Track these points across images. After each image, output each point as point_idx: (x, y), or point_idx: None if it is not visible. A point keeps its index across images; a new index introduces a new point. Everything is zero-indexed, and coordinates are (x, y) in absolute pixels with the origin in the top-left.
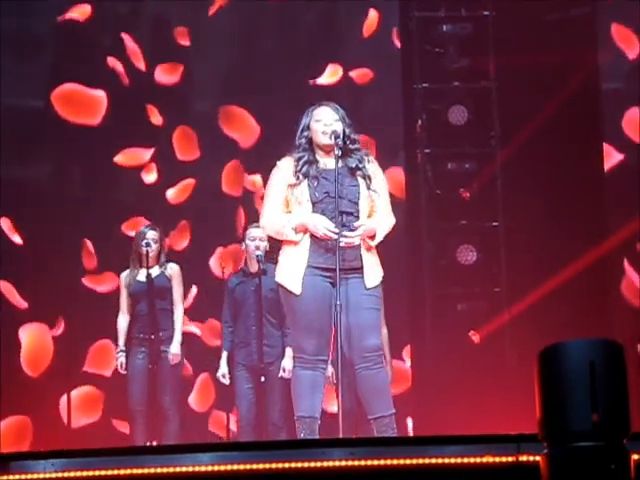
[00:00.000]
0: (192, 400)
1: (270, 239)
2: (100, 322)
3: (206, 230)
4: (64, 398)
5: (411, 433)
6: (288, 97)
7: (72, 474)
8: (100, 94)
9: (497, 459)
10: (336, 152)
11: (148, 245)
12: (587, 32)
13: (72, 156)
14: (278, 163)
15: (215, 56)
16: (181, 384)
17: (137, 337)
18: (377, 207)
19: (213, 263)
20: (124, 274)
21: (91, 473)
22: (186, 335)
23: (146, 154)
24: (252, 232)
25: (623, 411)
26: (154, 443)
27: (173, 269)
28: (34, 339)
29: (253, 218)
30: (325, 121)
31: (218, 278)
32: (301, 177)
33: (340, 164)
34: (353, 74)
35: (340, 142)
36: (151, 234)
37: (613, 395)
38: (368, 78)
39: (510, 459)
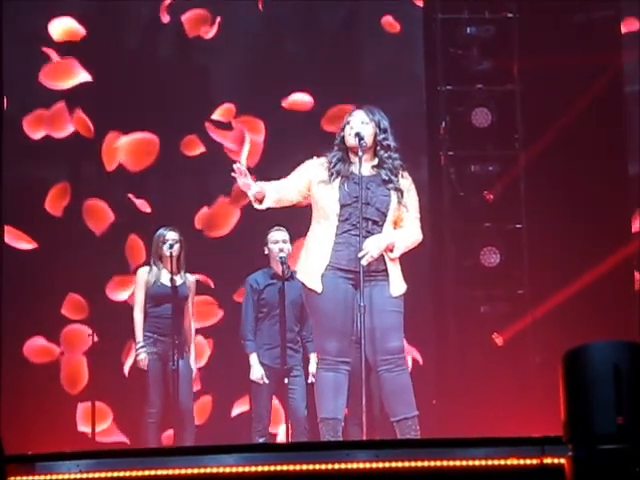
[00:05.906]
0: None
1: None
2: None
3: None
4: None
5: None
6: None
7: (96, 475)
8: None
9: (522, 461)
10: (359, 154)
11: (172, 247)
12: (611, 34)
13: None
14: (307, 162)
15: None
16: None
17: (148, 337)
18: (405, 222)
19: None
20: (143, 270)
21: (115, 474)
22: None
23: None
24: (274, 235)
25: None
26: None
27: (190, 280)
28: None
29: None
30: (353, 124)
31: None
32: (335, 174)
33: (373, 172)
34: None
35: (364, 143)
36: (172, 235)
37: (638, 398)
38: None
39: (535, 461)
